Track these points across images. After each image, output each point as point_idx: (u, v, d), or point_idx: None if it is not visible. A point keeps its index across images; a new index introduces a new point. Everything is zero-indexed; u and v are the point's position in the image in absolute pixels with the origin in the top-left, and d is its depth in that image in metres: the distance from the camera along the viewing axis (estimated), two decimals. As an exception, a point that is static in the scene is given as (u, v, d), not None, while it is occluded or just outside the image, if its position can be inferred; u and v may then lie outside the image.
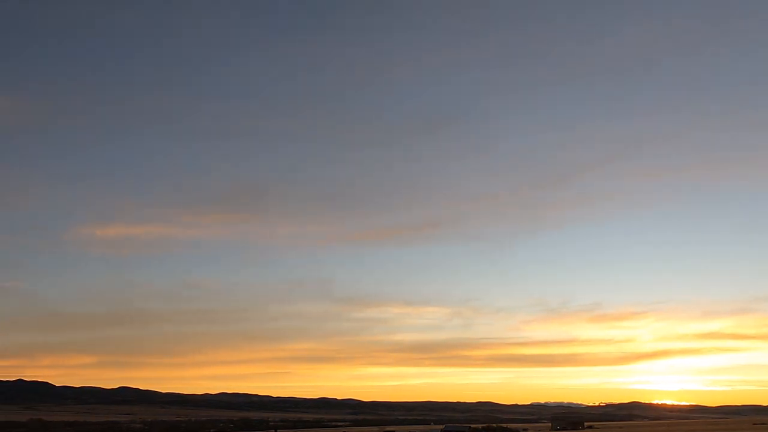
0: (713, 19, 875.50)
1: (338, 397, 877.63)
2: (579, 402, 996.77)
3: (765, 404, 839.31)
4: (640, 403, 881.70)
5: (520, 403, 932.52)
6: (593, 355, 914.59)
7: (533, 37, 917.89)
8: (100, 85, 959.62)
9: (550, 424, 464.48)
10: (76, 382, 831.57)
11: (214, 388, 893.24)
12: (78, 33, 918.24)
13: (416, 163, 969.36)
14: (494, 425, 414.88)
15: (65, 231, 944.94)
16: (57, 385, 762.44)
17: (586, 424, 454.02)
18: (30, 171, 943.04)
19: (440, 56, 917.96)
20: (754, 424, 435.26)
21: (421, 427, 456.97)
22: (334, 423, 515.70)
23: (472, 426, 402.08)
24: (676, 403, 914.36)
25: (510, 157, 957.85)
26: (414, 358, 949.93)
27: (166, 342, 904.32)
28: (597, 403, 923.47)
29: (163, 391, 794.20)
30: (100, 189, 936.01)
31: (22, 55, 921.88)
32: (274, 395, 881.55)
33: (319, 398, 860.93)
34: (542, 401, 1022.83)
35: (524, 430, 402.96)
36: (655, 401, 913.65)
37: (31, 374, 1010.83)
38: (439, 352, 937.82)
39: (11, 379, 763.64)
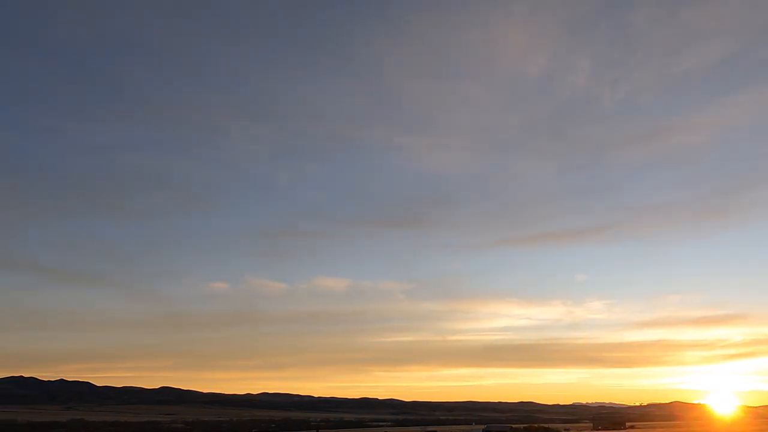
0: None
1: (380, 398, 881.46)
2: (620, 402, 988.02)
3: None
4: (681, 403, 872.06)
5: (561, 403, 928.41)
6: (674, 356, 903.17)
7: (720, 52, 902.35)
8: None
9: (591, 424, 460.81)
10: (151, 384, 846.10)
11: (255, 388, 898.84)
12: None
13: (598, 174, 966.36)
14: (535, 425, 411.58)
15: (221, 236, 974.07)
16: (98, 385, 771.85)
17: (627, 424, 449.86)
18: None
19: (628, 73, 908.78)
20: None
21: (463, 427, 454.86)
22: (375, 423, 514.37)
23: (514, 426, 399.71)
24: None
25: (693, 167, 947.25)
26: (495, 358, 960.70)
27: (247, 344, 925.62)
28: (638, 404, 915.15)
29: (204, 391, 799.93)
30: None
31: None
32: (316, 395, 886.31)
33: (360, 398, 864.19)
34: (583, 401, 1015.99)
35: (566, 430, 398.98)
36: (696, 401, 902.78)
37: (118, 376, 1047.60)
38: (523, 353, 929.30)
39: (53, 379, 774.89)
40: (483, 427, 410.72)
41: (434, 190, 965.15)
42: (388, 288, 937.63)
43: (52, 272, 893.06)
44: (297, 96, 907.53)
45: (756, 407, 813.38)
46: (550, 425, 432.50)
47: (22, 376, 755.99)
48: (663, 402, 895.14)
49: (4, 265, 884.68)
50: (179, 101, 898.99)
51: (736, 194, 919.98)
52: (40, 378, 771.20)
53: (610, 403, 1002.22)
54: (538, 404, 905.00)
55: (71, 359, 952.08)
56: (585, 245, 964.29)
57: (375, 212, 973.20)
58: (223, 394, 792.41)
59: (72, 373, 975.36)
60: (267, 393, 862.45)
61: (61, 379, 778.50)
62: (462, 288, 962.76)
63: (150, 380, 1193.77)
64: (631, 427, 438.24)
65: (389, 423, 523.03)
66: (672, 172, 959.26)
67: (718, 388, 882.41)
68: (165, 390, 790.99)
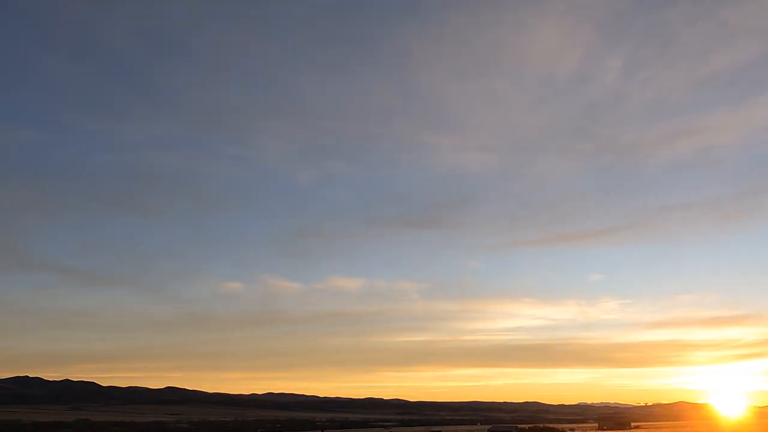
0: None
1: (385, 398, 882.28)
2: (625, 402, 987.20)
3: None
4: (686, 403, 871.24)
5: (566, 404, 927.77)
6: (684, 357, 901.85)
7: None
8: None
9: (596, 425, 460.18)
10: (156, 384, 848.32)
11: (260, 388, 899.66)
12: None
13: (623, 175, 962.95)
14: (541, 425, 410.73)
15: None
16: (104, 385, 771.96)
17: (632, 424, 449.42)
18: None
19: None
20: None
21: (468, 427, 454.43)
22: (380, 423, 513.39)
23: (519, 426, 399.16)
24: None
25: (716, 169, 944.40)
26: (505, 358, 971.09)
27: (264, 344, 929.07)
28: (642, 404, 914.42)
29: (210, 391, 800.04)
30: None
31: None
32: (321, 395, 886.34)
33: (365, 398, 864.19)
34: (588, 401, 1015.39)
35: (571, 430, 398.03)
36: (701, 401, 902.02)
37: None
38: (534, 353, 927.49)
39: (58, 379, 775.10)
40: (488, 427, 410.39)
41: (456, 190, 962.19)
42: (403, 288, 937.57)
43: (65, 272, 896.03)
44: (321, 95, 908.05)
45: (763, 407, 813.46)
46: (556, 425, 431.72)
47: (27, 376, 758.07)
48: (668, 402, 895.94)
49: (18, 265, 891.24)
50: (201, 101, 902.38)
51: (757, 196, 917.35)
52: (45, 378, 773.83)
53: (615, 403, 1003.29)
54: (544, 404, 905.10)
55: (78, 360, 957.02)
56: (602, 246, 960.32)
57: (393, 212, 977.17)
58: (229, 394, 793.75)
59: (77, 374, 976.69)
60: (272, 393, 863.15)
61: (66, 379, 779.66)
62: (477, 288, 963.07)
63: (155, 380, 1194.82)
64: (636, 427, 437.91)
65: (394, 423, 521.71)
66: (695, 173, 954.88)
67: (725, 387, 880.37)
68: (170, 390, 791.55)
